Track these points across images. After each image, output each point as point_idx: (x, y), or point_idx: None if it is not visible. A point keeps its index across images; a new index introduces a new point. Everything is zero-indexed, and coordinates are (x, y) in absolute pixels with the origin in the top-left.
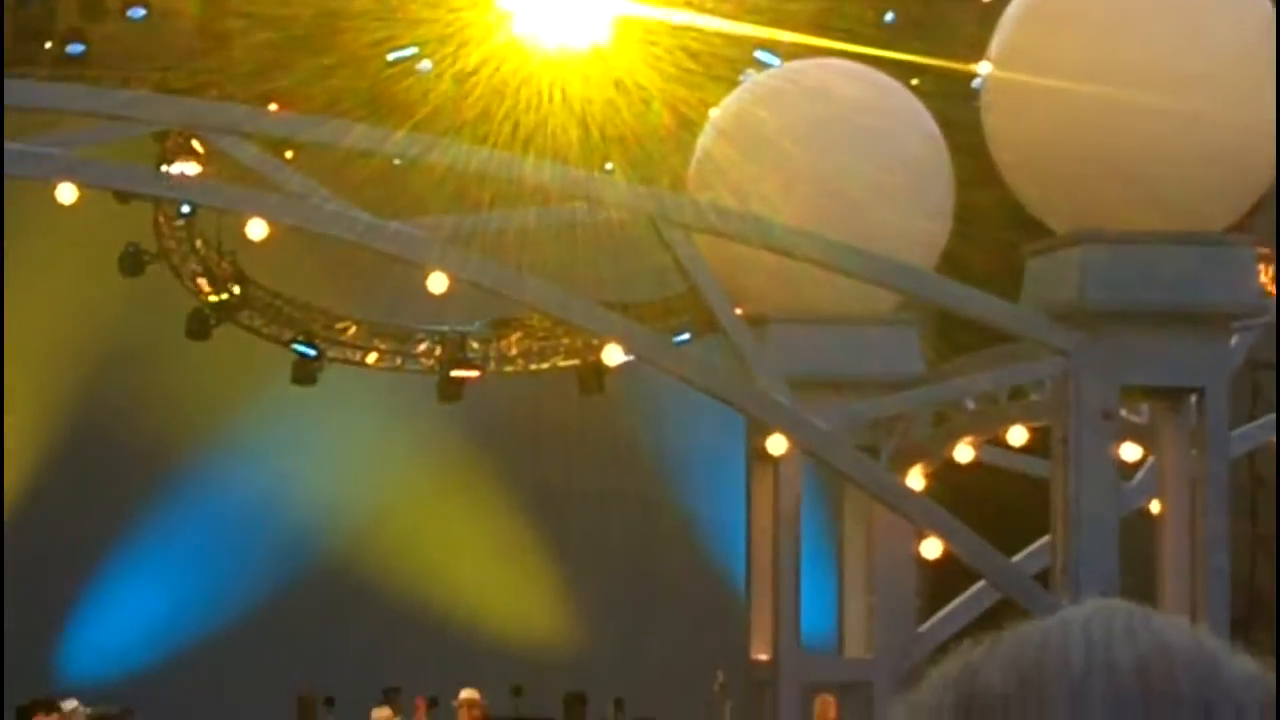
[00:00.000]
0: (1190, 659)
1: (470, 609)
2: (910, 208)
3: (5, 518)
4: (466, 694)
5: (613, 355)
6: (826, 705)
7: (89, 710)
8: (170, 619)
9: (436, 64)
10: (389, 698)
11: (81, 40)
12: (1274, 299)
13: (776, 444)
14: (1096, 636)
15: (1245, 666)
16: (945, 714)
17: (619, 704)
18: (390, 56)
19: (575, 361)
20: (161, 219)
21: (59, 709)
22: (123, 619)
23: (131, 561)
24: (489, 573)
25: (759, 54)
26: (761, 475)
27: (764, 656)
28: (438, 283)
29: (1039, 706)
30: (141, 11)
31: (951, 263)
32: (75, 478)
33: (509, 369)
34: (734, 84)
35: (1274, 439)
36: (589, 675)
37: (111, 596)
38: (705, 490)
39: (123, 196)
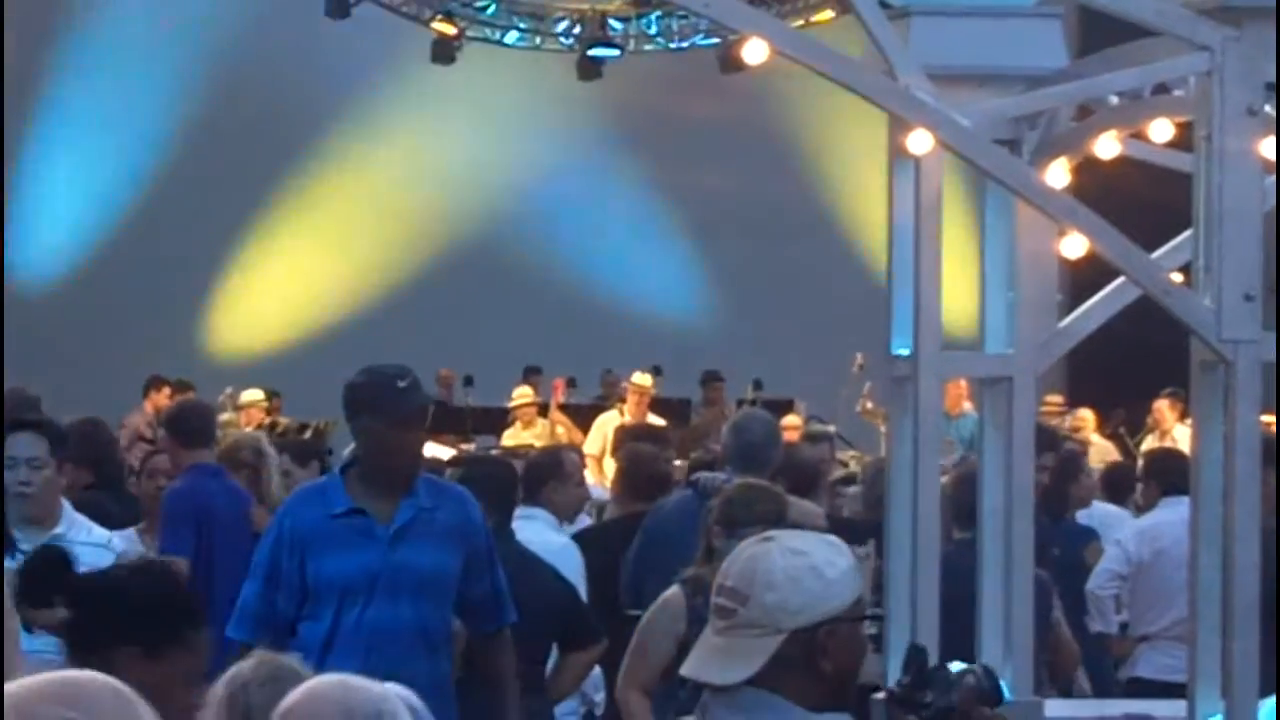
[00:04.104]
0: None
1: (610, 289)
2: None
3: (145, 195)
4: (639, 379)
5: (754, 52)
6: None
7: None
8: (309, 298)
9: None
10: (529, 378)
11: None
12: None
13: (918, 141)
14: None
15: None
16: None
17: (757, 384)
18: None
19: (716, 41)
20: None
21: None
22: (262, 298)
23: (269, 242)
24: (629, 254)
25: None
26: (903, 171)
27: (904, 351)
28: None
29: None
30: None
31: None
32: (212, 156)
33: (649, 47)
34: None
35: None
36: (728, 357)
37: (250, 276)
38: (845, 184)
39: None
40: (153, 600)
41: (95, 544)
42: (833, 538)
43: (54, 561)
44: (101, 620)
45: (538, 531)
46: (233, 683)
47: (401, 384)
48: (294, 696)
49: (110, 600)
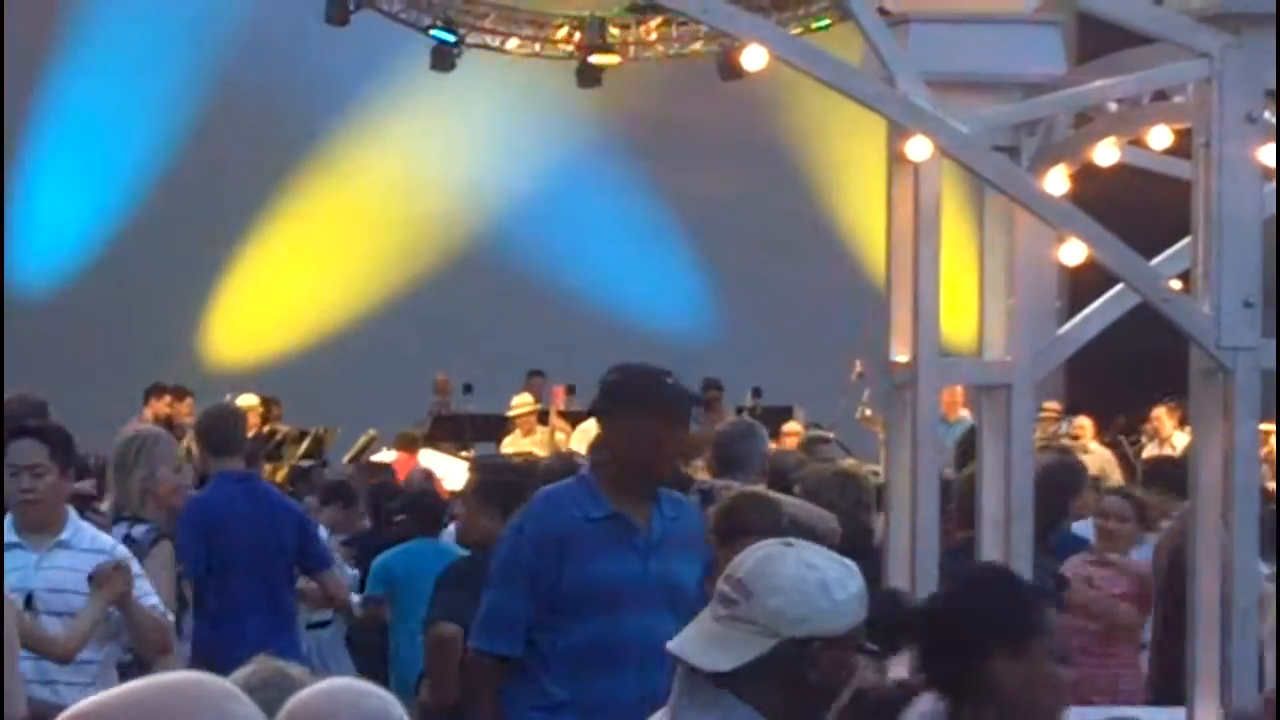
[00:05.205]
0: None
1: (609, 296)
2: None
3: (144, 202)
4: None
5: (753, 59)
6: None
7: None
8: (307, 305)
9: None
10: (531, 380)
11: None
12: None
13: (917, 148)
14: None
15: None
16: None
17: (756, 392)
18: None
19: (715, 48)
20: None
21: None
22: (261, 305)
23: (268, 249)
24: (628, 261)
25: None
26: (901, 177)
27: (903, 358)
28: None
29: None
30: None
31: None
32: (210, 163)
33: (648, 55)
34: None
35: None
36: (727, 364)
37: (249, 283)
38: (844, 191)
39: None
40: (1005, 602)
41: (100, 550)
42: (849, 561)
43: (894, 603)
44: (966, 640)
45: None
46: None
47: (668, 379)
48: (300, 699)
49: (969, 619)
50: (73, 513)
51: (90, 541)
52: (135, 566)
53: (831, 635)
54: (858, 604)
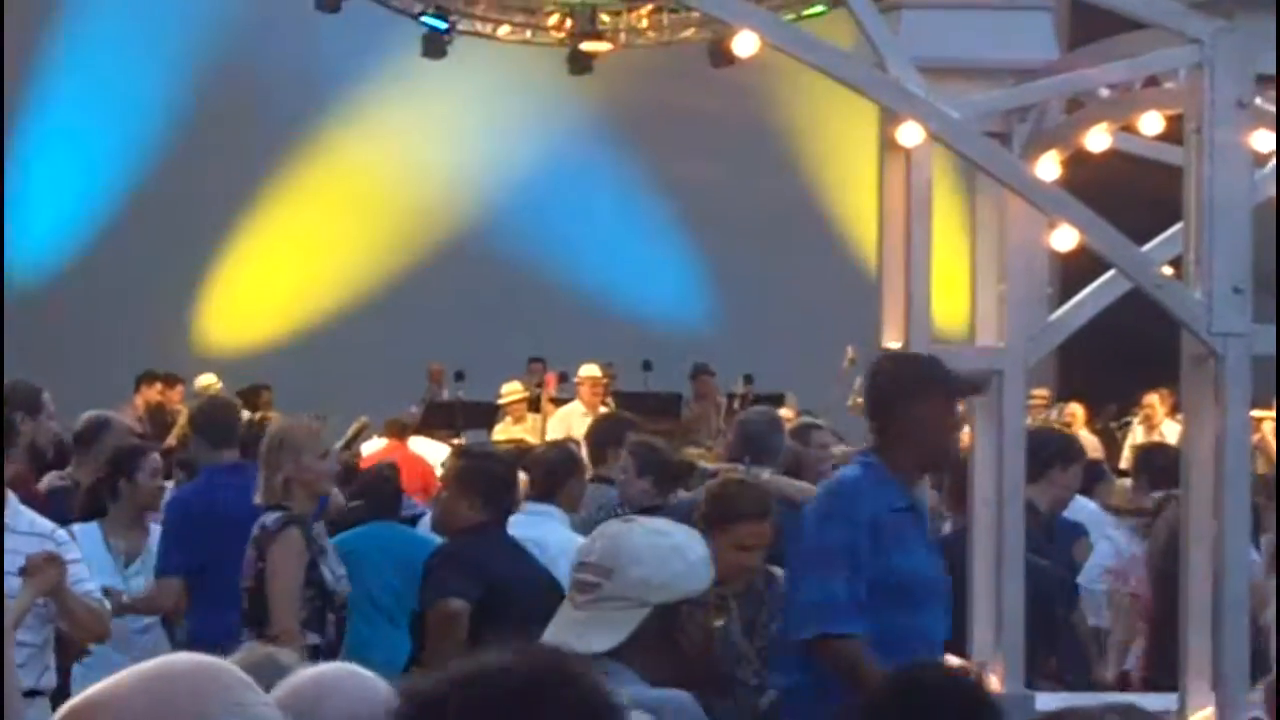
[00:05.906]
0: None
1: (600, 284)
2: None
3: (135, 190)
4: (587, 370)
5: (745, 44)
6: None
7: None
8: (300, 293)
9: None
10: (531, 366)
11: None
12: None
13: (909, 133)
14: None
15: None
16: None
17: (748, 378)
18: None
19: (707, 35)
20: None
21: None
22: (252, 293)
23: (260, 237)
24: (619, 248)
25: None
26: (893, 163)
27: (895, 344)
28: None
29: None
30: None
31: None
32: (202, 151)
33: (640, 42)
34: None
35: None
36: (719, 351)
37: (240, 271)
38: (836, 178)
39: None
40: None
41: (38, 534)
42: (688, 527)
43: None
44: None
45: (553, 530)
46: None
47: (942, 363)
48: (290, 685)
49: None
50: (12, 496)
51: (29, 525)
52: (72, 553)
53: (693, 595)
54: (707, 565)
